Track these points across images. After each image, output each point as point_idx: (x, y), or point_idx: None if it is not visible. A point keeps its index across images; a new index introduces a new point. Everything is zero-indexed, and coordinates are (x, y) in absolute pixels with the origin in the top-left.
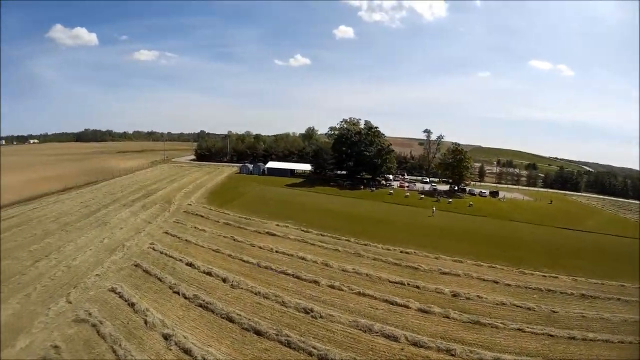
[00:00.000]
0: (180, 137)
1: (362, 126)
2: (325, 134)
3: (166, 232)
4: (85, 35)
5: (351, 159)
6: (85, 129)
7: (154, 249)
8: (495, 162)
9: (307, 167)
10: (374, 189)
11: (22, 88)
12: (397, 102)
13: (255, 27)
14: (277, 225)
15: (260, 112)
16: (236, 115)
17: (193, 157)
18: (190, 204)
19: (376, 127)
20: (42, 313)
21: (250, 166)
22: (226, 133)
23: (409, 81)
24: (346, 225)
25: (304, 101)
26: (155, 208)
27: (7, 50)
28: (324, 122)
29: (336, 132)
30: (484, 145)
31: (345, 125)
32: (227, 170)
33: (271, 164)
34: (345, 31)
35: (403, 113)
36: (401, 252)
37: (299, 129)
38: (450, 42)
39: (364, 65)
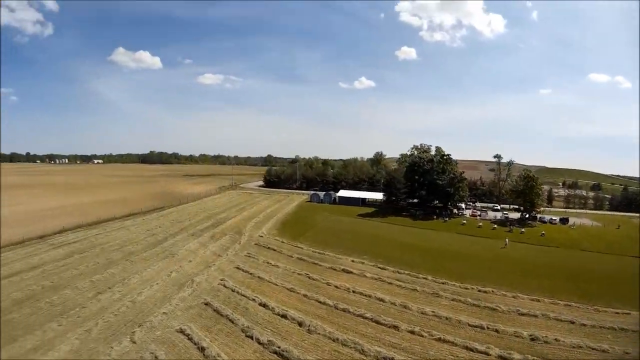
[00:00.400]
0: (248, 161)
1: (433, 152)
2: (396, 160)
3: (237, 267)
4: (148, 59)
5: (423, 187)
6: (150, 151)
7: (225, 286)
8: (560, 184)
9: (378, 195)
10: (447, 218)
11: (86, 108)
12: (461, 122)
13: (320, 49)
14: (353, 261)
15: (326, 134)
16: (302, 138)
17: (261, 183)
18: (261, 236)
19: (448, 155)
20: (104, 352)
21: (321, 194)
22: (293, 157)
23: (471, 101)
24: (423, 261)
25: (369, 123)
26: (225, 239)
27: (69, 70)
28: (390, 144)
29: (407, 160)
30: (548, 165)
31: (416, 152)
32: (297, 198)
33: (342, 193)
34: (407, 52)
35: (467, 134)
36: (479, 291)
37: (365, 150)
38: (511, 59)
39: (427, 86)
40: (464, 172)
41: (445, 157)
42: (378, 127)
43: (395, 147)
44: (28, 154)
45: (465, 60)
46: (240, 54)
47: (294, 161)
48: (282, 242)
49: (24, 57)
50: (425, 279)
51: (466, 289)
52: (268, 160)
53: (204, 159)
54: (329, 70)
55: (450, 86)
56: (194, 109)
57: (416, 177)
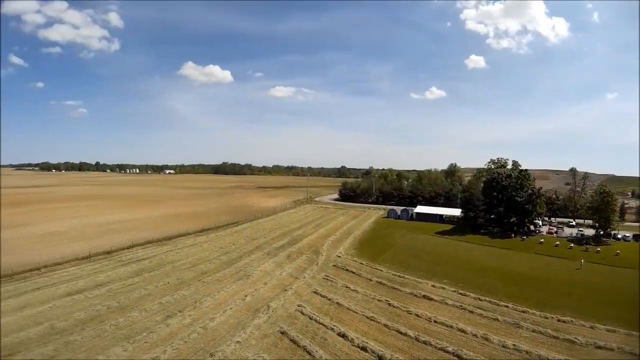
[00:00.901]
0: (321, 172)
1: (509, 166)
2: (473, 175)
3: (315, 292)
4: (219, 73)
5: (501, 204)
6: (223, 162)
7: (302, 313)
8: (629, 194)
9: (455, 211)
10: (525, 237)
11: (156, 121)
12: (529, 131)
13: (390, 61)
14: (433, 286)
15: (399, 146)
16: (375, 148)
17: (336, 196)
18: (339, 256)
19: (525, 170)
20: None
21: (398, 210)
22: (367, 168)
23: (539, 109)
24: (502, 286)
25: (441, 134)
26: (302, 259)
27: (138, 84)
28: (461, 154)
29: (485, 175)
30: (617, 173)
31: (493, 167)
32: (374, 213)
33: (420, 209)
34: (476, 61)
35: (535, 142)
36: (558, 320)
37: (437, 162)
38: (577, 64)
39: (496, 96)
40: (541, 187)
41: (523, 173)
42: (449, 137)
43: (467, 158)
44: (98, 163)
45: (532, 67)
46: (310, 67)
47: (367, 172)
48: (361, 263)
49: (91, 72)
50: (507, 306)
51: (546, 318)
52: (342, 172)
53: (277, 169)
54: (400, 82)
55: (518, 95)
56: (266, 121)
57: (494, 193)
